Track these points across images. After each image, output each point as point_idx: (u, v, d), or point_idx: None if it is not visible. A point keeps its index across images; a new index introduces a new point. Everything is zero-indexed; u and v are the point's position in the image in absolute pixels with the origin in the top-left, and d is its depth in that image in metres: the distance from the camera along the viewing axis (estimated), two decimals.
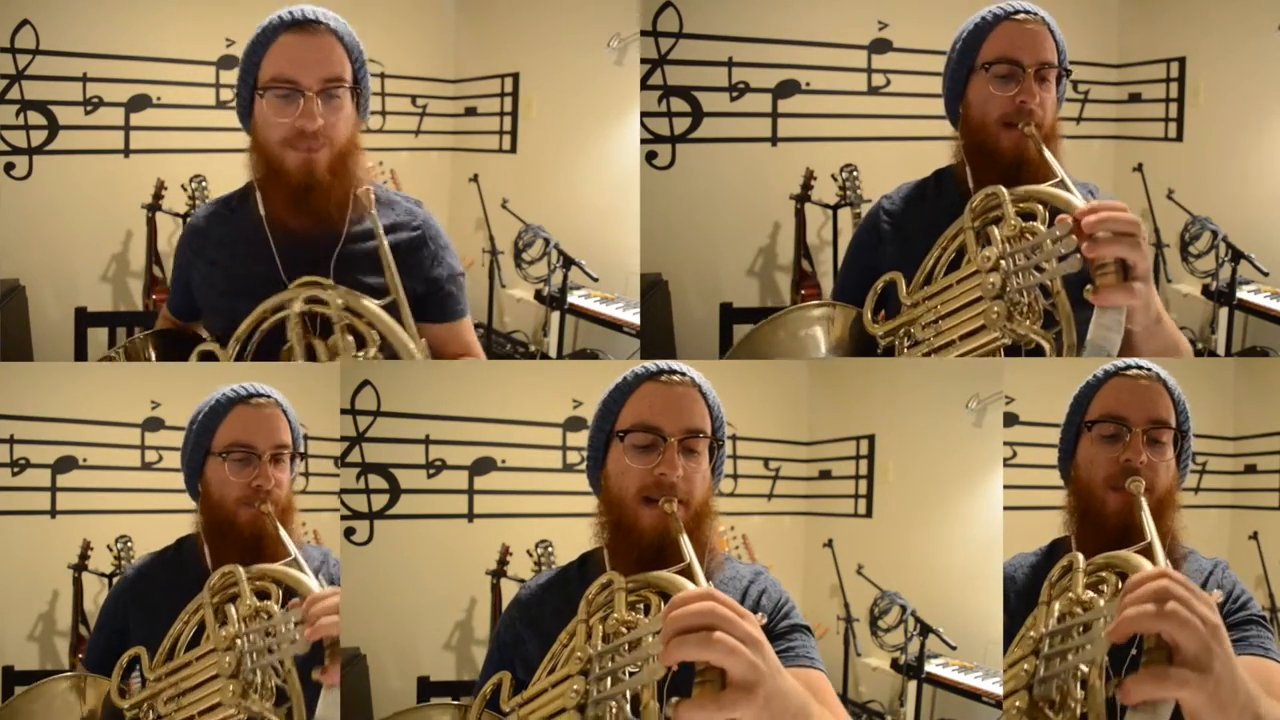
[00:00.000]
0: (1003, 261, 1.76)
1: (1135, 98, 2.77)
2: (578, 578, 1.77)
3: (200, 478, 1.91)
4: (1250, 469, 2.58)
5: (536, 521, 2.67)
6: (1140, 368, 1.80)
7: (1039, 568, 1.80)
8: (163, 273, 2.74)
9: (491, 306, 2.86)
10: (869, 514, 2.82)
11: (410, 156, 2.88)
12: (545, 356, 2.79)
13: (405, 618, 2.60)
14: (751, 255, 2.79)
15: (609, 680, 1.48)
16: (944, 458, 2.70)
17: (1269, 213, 2.63)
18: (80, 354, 2.69)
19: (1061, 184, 1.76)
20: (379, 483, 2.58)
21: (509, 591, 2.63)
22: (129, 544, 2.61)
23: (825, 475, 2.85)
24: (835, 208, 2.79)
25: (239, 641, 1.75)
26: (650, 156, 2.69)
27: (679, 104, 2.71)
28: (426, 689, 2.60)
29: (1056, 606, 1.60)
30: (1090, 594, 1.57)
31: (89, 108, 2.71)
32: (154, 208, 2.74)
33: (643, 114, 2.66)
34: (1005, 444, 2.39)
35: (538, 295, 2.81)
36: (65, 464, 2.62)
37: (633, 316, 2.64)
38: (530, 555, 2.69)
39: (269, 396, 1.91)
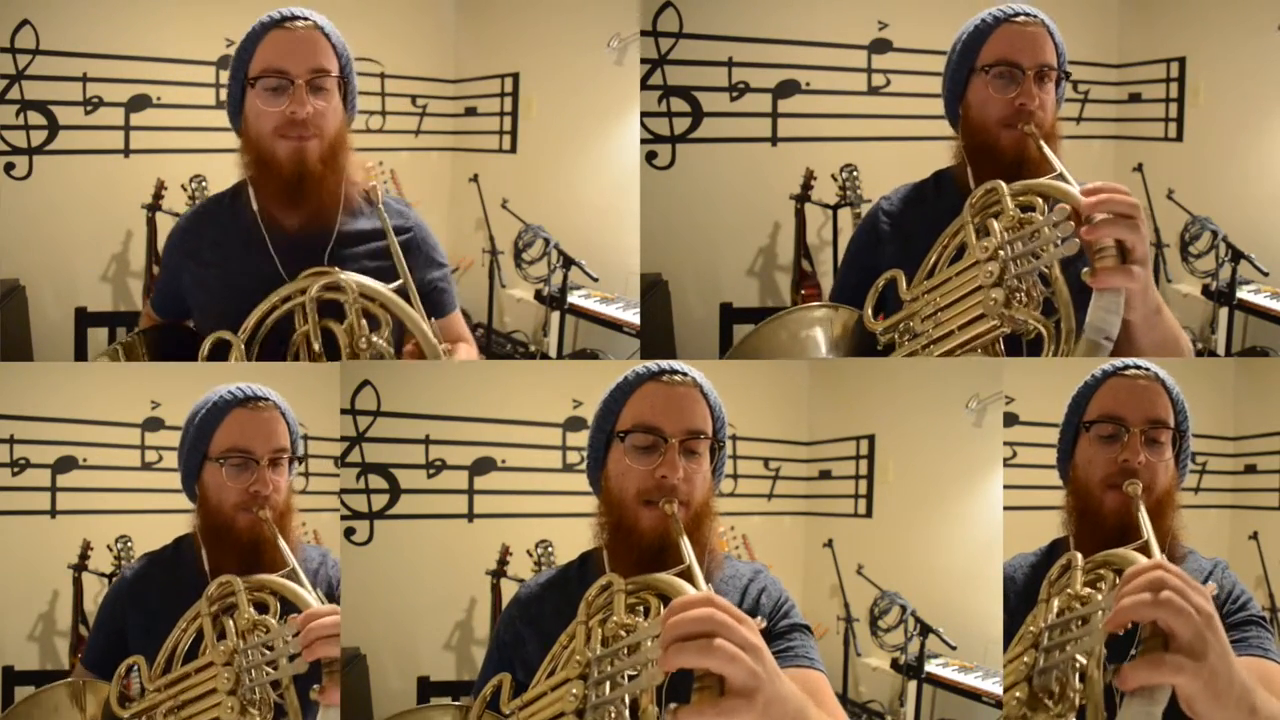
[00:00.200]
0: (1001, 250, 1.76)
1: (1135, 98, 2.77)
2: (577, 577, 1.77)
3: (197, 480, 1.91)
4: (1250, 469, 2.58)
5: (536, 521, 2.67)
6: (1138, 368, 1.80)
7: (1039, 568, 1.80)
8: None
9: (491, 306, 2.86)
10: (869, 514, 2.82)
11: (410, 156, 2.88)
12: (545, 356, 2.79)
13: (405, 618, 2.60)
14: (751, 255, 2.79)
15: (608, 684, 1.48)
16: (944, 458, 2.70)
17: (1269, 213, 2.63)
18: (80, 354, 2.69)
19: (1060, 177, 1.76)
20: (379, 483, 2.58)
21: (509, 591, 2.63)
22: (129, 544, 2.61)
23: (825, 475, 2.84)
24: (835, 208, 2.79)
25: (237, 658, 1.75)
26: (650, 156, 2.69)
27: (679, 104, 2.71)
28: (426, 689, 2.60)
29: (1055, 603, 1.61)
30: (1088, 590, 1.59)
31: (89, 108, 2.71)
32: (154, 208, 2.74)
33: (643, 114, 2.66)
34: (1005, 444, 2.39)
35: (538, 295, 2.81)
36: (65, 464, 2.62)
37: (633, 316, 2.64)
38: (530, 555, 2.69)
39: (268, 399, 1.91)
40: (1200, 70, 2.71)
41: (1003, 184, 1.78)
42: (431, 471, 2.62)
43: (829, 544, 2.83)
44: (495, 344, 2.85)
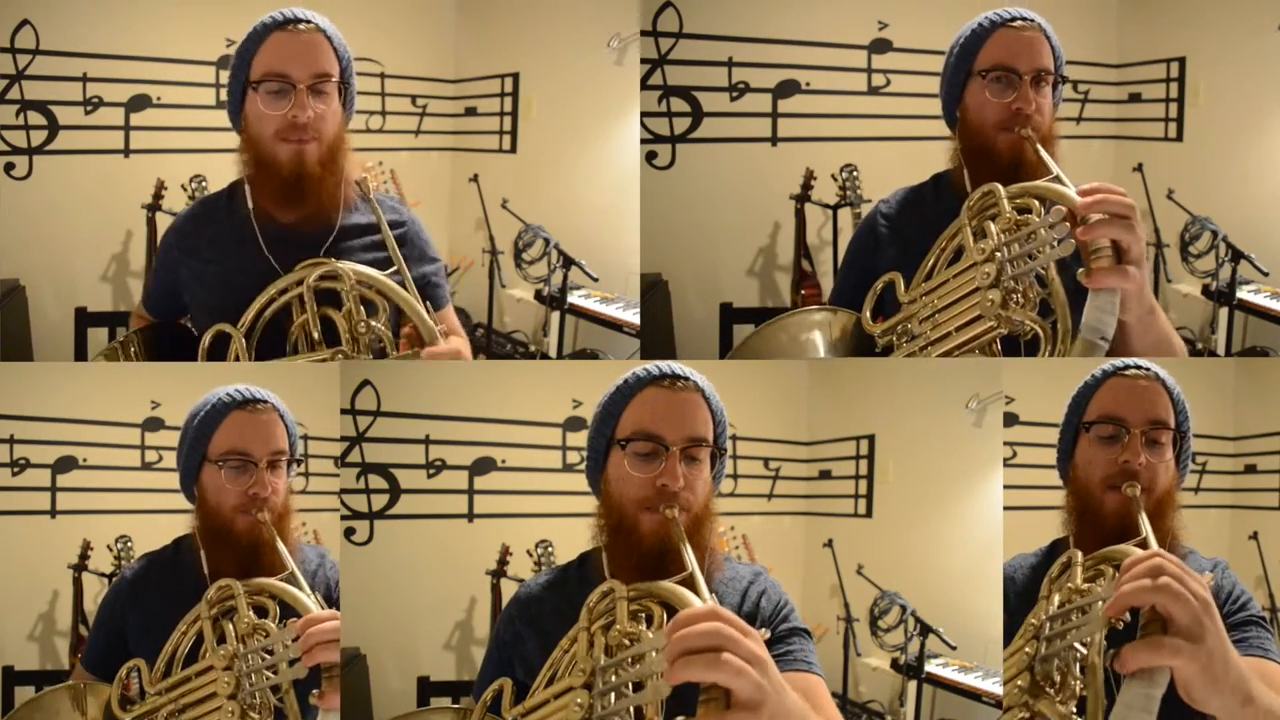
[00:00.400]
0: (998, 252, 1.76)
1: (1135, 98, 2.77)
2: (577, 578, 1.77)
3: (196, 482, 1.91)
4: (1250, 469, 2.58)
5: (536, 521, 2.67)
6: (1139, 368, 1.80)
7: (1039, 568, 1.80)
8: None
9: (491, 306, 2.86)
10: (869, 514, 2.82)
11: (410, 156, 2.88)
12: (545, 356, 2.79)
13: (405, 618, 2.60)
14: (751, 255, 2.79)
15: (612, 695, 1.47)
16: (944, 458, 2.70)
17: (1269, 213, 2.63)
18: (80, 354, 2.69)
19: (1057, 179, 1.77)
20: (379, 483, 2.57)
21: (509, 591, 2.63)
22: (129, 544, 2.61)
23: (825, 475, 2.84)
24: (835, 208, 2.79)
25: (237, 662, 1.76)
26: (650, 156, 2.69)
27: (679, 104, 2.71)
28: (426, 689, 2.60)
29: (1056, 598, 1.63)
30: (1089, 585, 1.61)
31: (89, 108, 2.71)
32: (154, 208, 2.74)
33: (643, 114, 2.66)
34: (1005, 444, 2.39)
35: (538, 295, 2.81)
36: (65, 464, 2.62)
37: (633, 316, 2.64)
38: (530, 555, 2.69)
39: (266, 401, 1.91)
40: (1200, 70, 2.71)
41: (1000, 187, 1.79)
42: (431, 471, 2.62)
43: (829, 544, 2.83)
44: (495, 344, 2.85)
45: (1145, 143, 2.76)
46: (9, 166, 2.67)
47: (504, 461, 2.66)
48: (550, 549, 2.67)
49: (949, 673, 2.72)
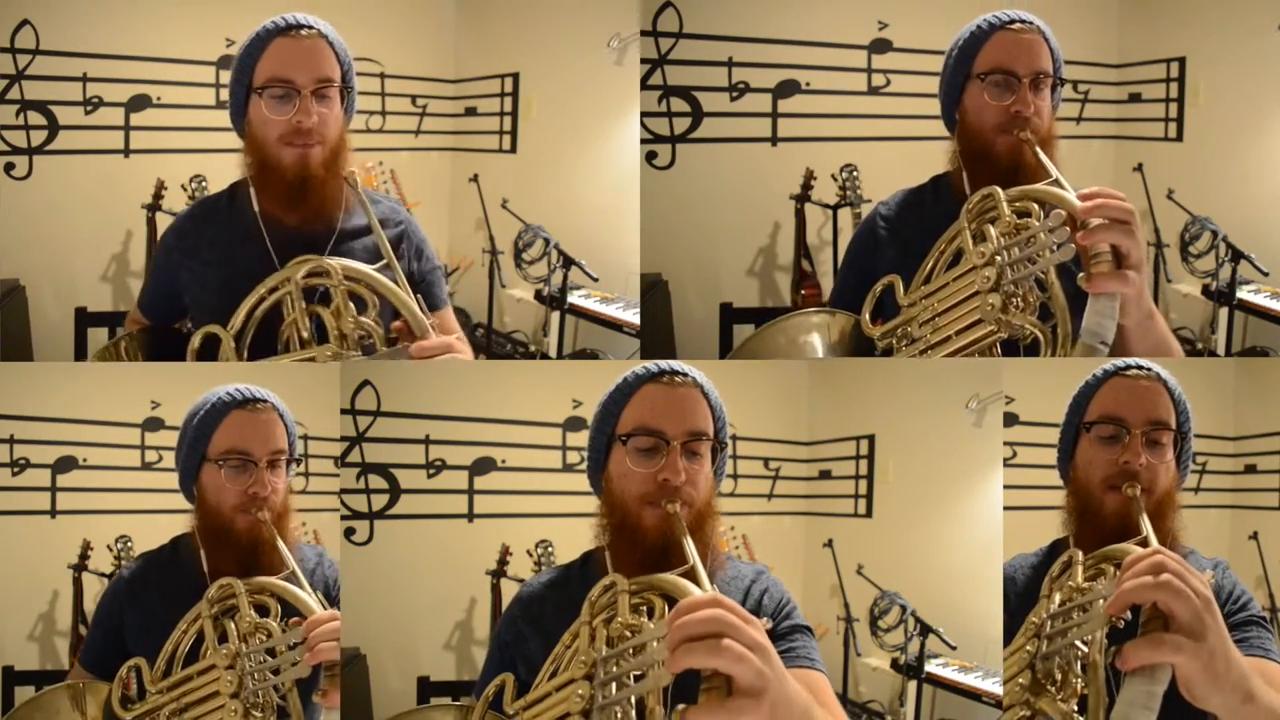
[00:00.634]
0: (998, 256, 1.76)
1: (1135, 98, 2.77)
2: (579, 577, 1.77)
3: (195, 481, 1.92)
4: (1250, 469, 2.58)
5: (536, 521, 2.67)
6: (1140, 368, 1.80)
7: (1039, 568, 1.80)
8: None
9: (491, 306, 2.86)
10: (869, 514, 2.82)
11: (410, 156, 2.88)
12: (545, 356, 2.79)
13: (405, 618, 2.60)
14: (751, 255, 2.79)
15: (614, 685, 1.48)
16: (944, 458, 2.70)
17: (1269, 213, 2.63)
18: (80, 354, 2.69)
19: (1056, 183, 1.77)
20: (379, 483, 2.57)
21: (509, 591, 2.63)
22: (129, 544, 2.61)
23: (825, 475, 2.85)
24: (835, 208, 2.79)
25: (240, 661, 1.76)
26: (650, 156, 2.69)
27: (679, 104, 2.71)
28: (426, 689, 2.60)
29: (1057, 597, 1.63)
30: (1089, 583, 1.61)
31: (89, 108, 2.71)
32: (154, 208, 2.74)
33: (643, 114, 2.66)
34: (1005, 444, 2.39)
35: (538, 295, 2.81)
36: (65, 464, 2.62)
37: (633, 316, 2.64)
38: (530, 555, 2.69)
39: (266, 401, 1.91)
40: (1200, 70, 2.71)
41: (999, 190, 1.79)
42: (431, 471, 2.62)
43: (829, 544, 2.83)
44: (495, 344, 2.85)
45: (1145, 143, 2.76)
46: (9, 166, 2.67)
47: (504, 461, 2.66)
48: (550, 549, 2.67)
49: (949, 673, 2.72)
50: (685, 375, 1.72)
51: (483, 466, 2.65)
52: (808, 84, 2.76)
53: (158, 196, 2.74)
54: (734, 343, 2.72)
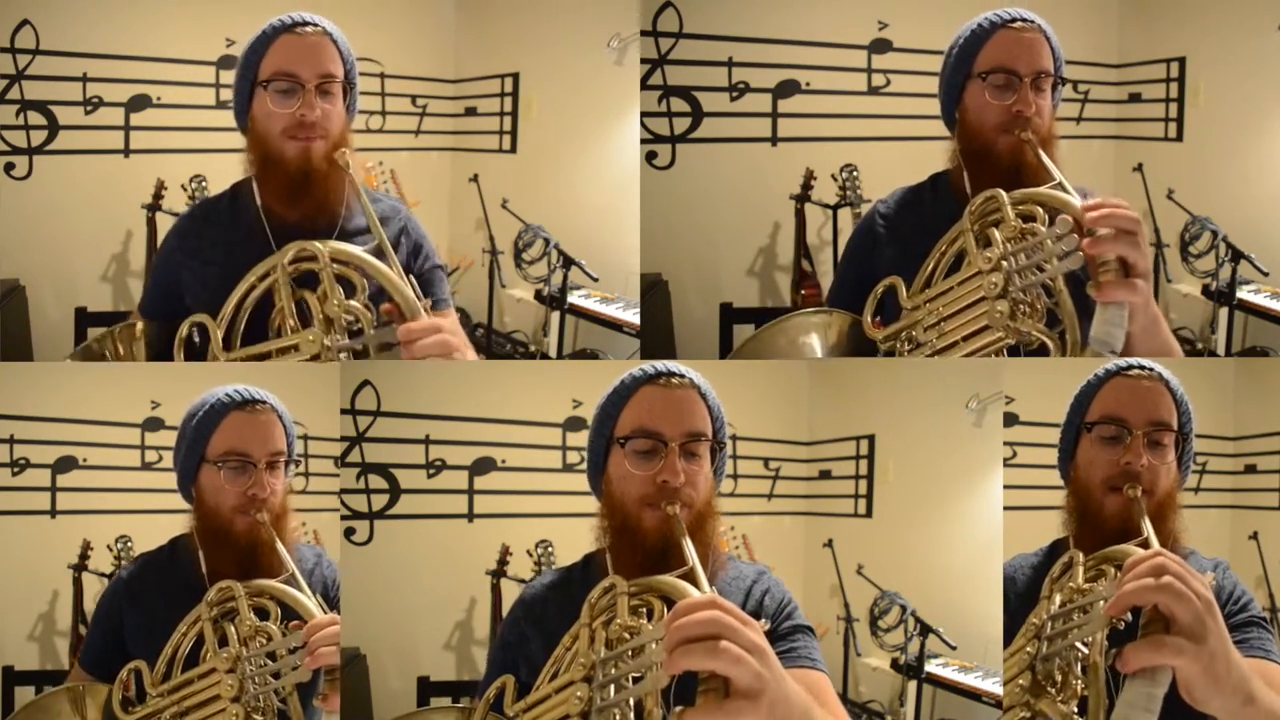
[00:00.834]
0: (1004, 261, 1.76)
1: (1135, 98, 2.77)
2: (581, 578, 1.77)
3: (194, 482, 1.92)
4: (1250, 469, 2.58)
5: (536, 521, 2.67)
6: (1142, 368, 1.80)
7: (1039, 568, 1.80)
8: None
9: (491, 306, 2.86)
10: (869, 514, 2.82)
11: (410, 156, 2.88)
12: (545, 356, 2.79)
13: (405, 618, 2.60)
14: (751, 255, 2.79)
15: (612, 687, 1.48)
16: (944, 458, 2.70)
17: (1269, 213, 2.63)
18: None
19: (1059, 186, 1.77)
20: (379, 483, 2.57)
21: (509, 591, 2.63)
22: (129, 544, 2.61)
23: (825, 475, 2.84)
24: (835, 208, 2.79)
25: (241, 665, 1.76)
26: (650, 156, 2.69)
27: (679, 104, 2.71)
28: (426, 689, 2.60)
29: (1058, 598, 1.63)
30: (1090, 584, 1.61)
31: (89, 108, 2.71)
32: (154, 208, 2.74)
33: (643, 114, 2.66)
34: (1005, 444, 2.39)
35: (538, 295, 2.81)
36: (65, 464, 2.62)
37: (633, 316, 2.64)
38: (530, 555, 2.69)
39: (265, 402, 1.91)
40: (1200, 70, 2.71)
41: (1003, 193, 1.78)
42: (431, 471, 2.62)
43: (829, 544, 2.83)
44: (495, 344, 2.85)
45: (1145, 143, 2.76)
46: (9, 166, 2.67)
47: (504, 461, 2.66)
48: (550, 549, 2.67)
49: (949, 673, 2.72)
50: (682, 376, 1.72)
51: (483, 466, 2.65)
52: (808, 84, 2.76)
53: (158, 196, 2.74)
54: (734, 343, 2.72)
